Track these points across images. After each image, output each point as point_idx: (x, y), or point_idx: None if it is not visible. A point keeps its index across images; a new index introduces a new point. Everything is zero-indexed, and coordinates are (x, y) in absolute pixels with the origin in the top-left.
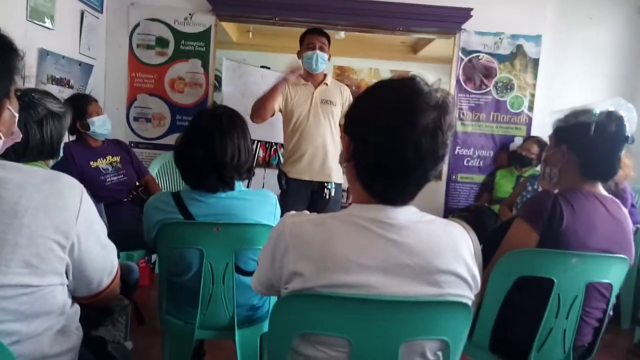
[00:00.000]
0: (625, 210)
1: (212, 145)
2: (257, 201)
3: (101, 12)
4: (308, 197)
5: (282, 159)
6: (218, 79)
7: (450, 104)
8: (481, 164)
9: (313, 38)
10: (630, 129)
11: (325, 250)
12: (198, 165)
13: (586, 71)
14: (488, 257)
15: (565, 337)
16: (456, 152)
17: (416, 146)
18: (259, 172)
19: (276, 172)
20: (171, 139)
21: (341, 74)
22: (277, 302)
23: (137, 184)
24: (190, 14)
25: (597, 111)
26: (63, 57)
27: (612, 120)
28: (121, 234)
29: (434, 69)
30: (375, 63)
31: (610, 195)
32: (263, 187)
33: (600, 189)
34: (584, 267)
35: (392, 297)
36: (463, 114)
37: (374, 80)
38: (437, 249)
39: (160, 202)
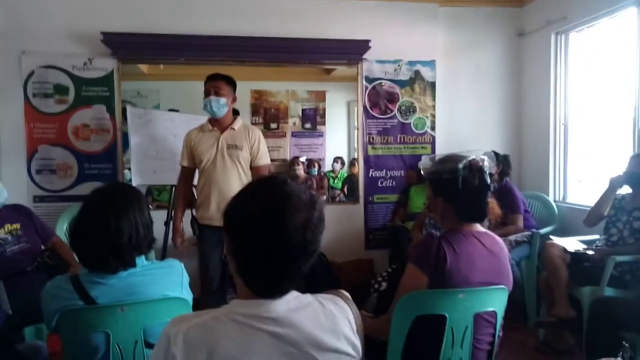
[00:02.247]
0: (501, 241)
1: (108, 228)
2: (161, 274)
3: None
4: (222, 242)
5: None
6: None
7: (319, 202)
8: (394, 183)
9: (207, 84)
10: (489, 177)
11: (211, 355)
12: (95, 249)
13: (477, 90)
14: (391, 297)
15: None
16: (370, 175)
17: (287, 245)
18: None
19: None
20: (81, 189)
21: (259, 97)
22: None
23: (43, 247)
24: (89, 59)
25: (460, 166)
26: None
27: (474, 174)
28: (28, 306)
29: (346, 88)
30: (292, 85)
31: (485, 230)
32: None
33: (478, 227)
34: (470, 301)
35: None
36: (372, 138)
37: (292, 102)
38: (316, 333)
39: (57, 289)
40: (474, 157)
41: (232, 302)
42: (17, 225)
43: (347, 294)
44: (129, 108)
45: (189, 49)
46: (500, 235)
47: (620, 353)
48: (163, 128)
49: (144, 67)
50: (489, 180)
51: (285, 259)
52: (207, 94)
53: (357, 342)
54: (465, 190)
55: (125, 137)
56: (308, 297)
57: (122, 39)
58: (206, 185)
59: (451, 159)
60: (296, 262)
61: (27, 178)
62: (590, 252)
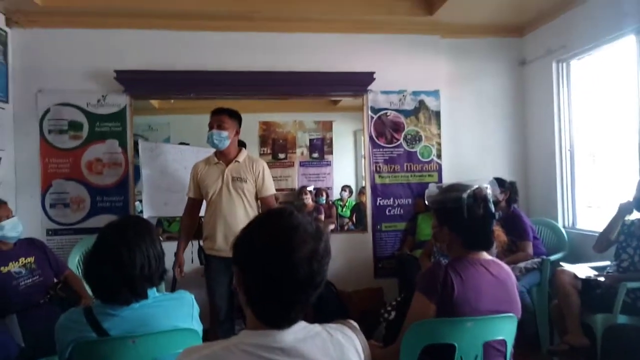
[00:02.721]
0: (508, 269)
1: (121, 260)
2: (172, 306)
3: (6, 101)
4: (230, 272)
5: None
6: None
7: (325, 233)
8: (402, 211)
9: (211, 118)
10: (493, 205)
11: None
12: (108, 281)
13: (481, 118)
14: (399, 326)
15: None
16: (377, 204)
17: (295, 276)
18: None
19: None
20: (93, 222)
21: (267, 128)
22: None
23: (56, 280)
24: (103, 96)
25: (464, 195)
26: None
27: (478, 203)
28: (40, 339)
29: (352, 117)
30: (299, 116)
31: (492, 258)
32: (192, 260)
33: (484, 255)
34: (478, 329)
35: None
36: (379, 167)
37: (300, 132)
38: None
39: (71, 321)
40: (477, 186)
41: (241, 332)
42: (31, 259)
43: (355, 324)
44: (140, 142)
45: (198, 84)
46: (510, 263)
47: None
48: (173, 161)
49: (155, 102)
50: (493, 209)
51: (293, 290)
52: (210, 127)
53: None
54: (470, 220)
55: (137, 170)
56: (316, 327)
57: (134, 76)
58: (212, 216)
59: (455, 189)
60: (304, 293)
61: (41, 212)
62: (601, 279)
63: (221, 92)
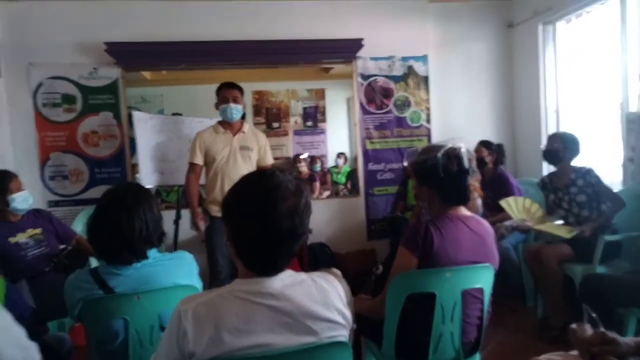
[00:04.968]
0: (486, 224)
1: (120, 225)
2: (172, 265)
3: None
4: None
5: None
6: None
7: (305, 190)
8: (393, 175)
9: (226, 92)
10: (468, 162)
11: (217, 327)
12: (109, 244)
13: (469, 81)
14: (386, 279)
15: (453, 337)
16: (369, 169)
17: (278, 229)
18: (184, 212)
19: None
20: (93, 192)
21: (260, 98)
22: None
23: (62, 247)
24: (94, 69)
25: (439, 155)
26: None
27: (452, 160)
28: (49, 304)
29: (344, 85)
30: (291, 84)
31: (471, 214)
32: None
33: (464, 211)
34: (457, 279)
35: (281, 351)
36: (370, 133)
37: (293, 101)
38: (309, 305)
39: (79, 281)
40: (451, 145)
41: (234, 281)
42: (38, 231)
43: (338, 272)
44: (134, 113)
45: (189, 54)
46: (497, 221)
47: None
48: (168, 131)
49: (147, 74)
50: (467, 165)
51: (278, 242)
52: (225, 100)
53: (347, 313)
54: (446, 177)
55: (133, 141)
56: (302, 275)
57: (125, 48)
58: (219, 181)
59: (430, 149)
60: (287, 244)
61: (41, 184)
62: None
63: (212, 62)
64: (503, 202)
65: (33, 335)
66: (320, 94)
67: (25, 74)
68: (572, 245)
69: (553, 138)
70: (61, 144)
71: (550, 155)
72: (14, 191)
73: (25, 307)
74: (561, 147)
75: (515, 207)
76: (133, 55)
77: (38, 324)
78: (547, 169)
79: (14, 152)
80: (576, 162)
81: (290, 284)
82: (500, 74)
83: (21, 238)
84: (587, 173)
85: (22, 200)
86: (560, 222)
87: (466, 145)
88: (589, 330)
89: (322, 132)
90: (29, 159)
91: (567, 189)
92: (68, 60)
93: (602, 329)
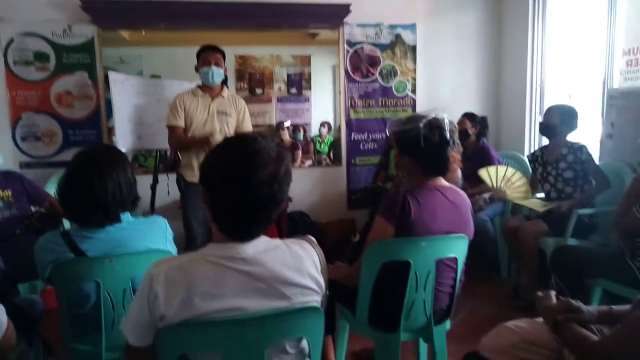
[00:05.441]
0: (464, 194)
1: (92, 187)
2: (146, 229)
3: None
4: None
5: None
6: None
7: (286, 157)
8: (375, 146)
9: (208, 55)
10: (449, 133)
11: (189, 290)
12: (81, 206)
13: (457, 53)
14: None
15: (425, 305)
16: (352, 138)
17: (256, 195)
18: (162, 178)
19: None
20: (66, 155)
21: (243, 63)
22: (160, 330)
23: (34, 209)
24: (68, 26)
25: (421, 125)
26: None
27: (433, 131)
28: (20, 266)
29: (331, 52)
30: (276, 50)
31: (450, 185)
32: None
33: (442, 182)
34: (432, 248)
35: (252, 315)
36: (354, 102)
37: (277, 67)
38: (283, 270)
39: (50, 243)
40: (434, 115)
41: (208, 245)
42: (8, 192)
43: (313, 238)
44: (111, 74)
45: (169, 14)
46: (476, 193)
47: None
48: (146, 94)
49: (125, 34)
50: (448, 136)
51: (255, 208)
52: (207, 63)
53: (321, 280)
54: (427, 147)
55: (109, 104)
56: (277, 241)
57: (101, 6)
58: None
59: (413, 119)
60: (264, 211)
61: (12, 145)
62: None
63: (194, 23)
64: (482, 171)
65: (3, 297)
66: (306, 60)
67: None
68: (547, 221)
69: (551, 111)
70: (33, 103)
71: (547, 128)
72: None
73: None
74: (558, 121)
75: (495, 176)
76: (110, 13)
77: (9, 286)
78: (532, 143)
79: None
80: (571, 137)
81: (264, 249)
82: (488, 46)
83: None
84: (579, 149)
85: None
86: (541, 195)
87: (450, 116)
88: (554, 298)
89: (307, 100)
90: (0, 118)
91: (557, 163)
92: (40, 17)
93: (567, 298)
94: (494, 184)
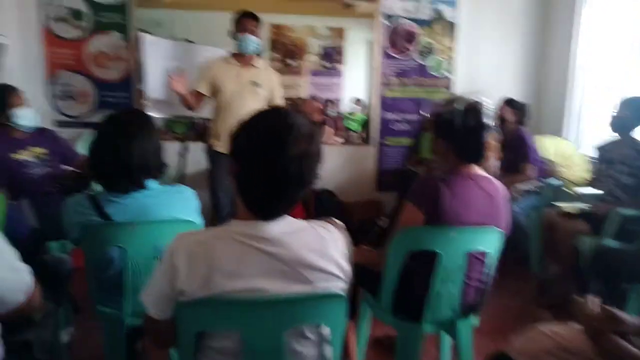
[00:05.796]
0: (501, 185)
1: (118, 150)
2: (173, 198)
3: None
4: None
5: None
6: None
7: (317, 135)
8: (408, 127)
9: (247, 22)
10: (487, 118)
11: (210, 267)
12: (107, 170)
13: (499, 33)
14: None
15: (452, 298)
16: (384, 117)
17: (285, 171)
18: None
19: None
20: (99, 116)
21: (277, 32)
22: (179, 305)
23: (68, 168)
24: None
25: (458, 106)
26: None
27: (471, 114)
28: (52, 224)
29: (367, 26)
30: (311, 20)
31: (484, 174)
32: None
33: (477, 170)
34: (462, 239)
35: (272, 297)
36: (389, 79)
37: (311, 39)
38: (306, 254)
39: (77, 205)
40: (473, 98)
41: (231, 222)
42: (42, 150)
43: (340, 222)
44: (143, 36)
45: None
46: (510, 183)
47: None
48: (178, 58)
49: None
50: (485, 121)
51: (282, 185)
52: (244, 30)
53: (346, 266)
54: (462, 129)
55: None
56: (302, 223)
57: None
58: (226, 115)
59: (452, 101)
60: (292, 189)
61: (48, 103)
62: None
63: None
64: (549, 140)
65: (31, 254)
66: (341, 33)
67: None
68: (588, 221)
69: (625, 104)
70: (69, 62)
71: (618, 123)
72: (14, 105)
73: (24, 226)
74: (631, 115)
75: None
76: None
77: (39, 244)
78: (571, 129)
79: (20, 67)
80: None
81: (289, 230)
82: (534, 28)
83: (25, 156)
84: None
85: (24, 115)
86: (593, 192)
87: (490, 101)
88: (595, 305)
89: (339, 74)
90: (36, 75)
91: (618, 165)
92: None
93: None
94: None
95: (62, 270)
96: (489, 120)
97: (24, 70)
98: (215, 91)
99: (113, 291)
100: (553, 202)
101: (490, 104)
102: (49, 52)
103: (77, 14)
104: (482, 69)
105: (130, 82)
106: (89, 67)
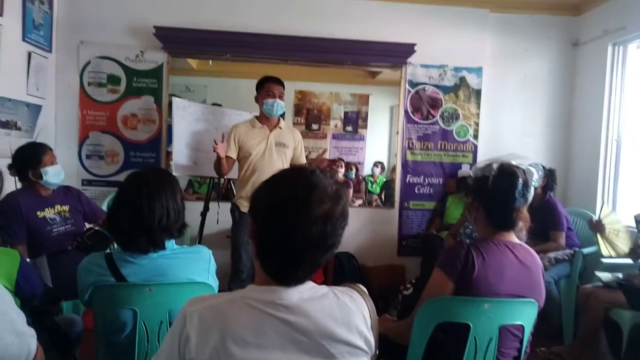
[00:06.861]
0: (535, 255)
1: (140, 209)
2: (190, 259)
3: (50, 51)
4: None
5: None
6: None
7: (343, 197)
8: (431, 191)
9: (272, 87)
10: (530, 185)
11: (223, 335)
12: (127, 229)
13: (524, 100)
14: (416, 302)
15: None
16: (407, 181)
17: (307, 234)
18: (213, 205)
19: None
20: (125, 175)
21: (302, 98)
22: None
23: (87, 227)
24: (141, 52)
25: (495, 166)
26: (9, 99)
27: (503, 176)
28: (67, 282)
29: (390, 92)
30: (335, 87)
31: (520, 242)
32: (217, 221)
33: (512, 237)
34: (495, 312)
35: None
36: (412, 143)
37: (335, 104)
38: (329, 324)
39: (92, 265)
40: (510, 161)
41: (248, 287)
42: (66, 207)
43: (364, 289)
44: (174, 99)
45: (234, 45)
46: (540, 252)
47: None
48: (205, 121)
49: (193, 63)
50: (520, 186)
51: (303, 248)
52: (271, 95)
53: (371, 338)
54: (492, 191)
55: (170, 129)
56: (324, 289)
57: (173, 33)
58: (253, 174)
59: (490, 163)
60: (314, 253)
61: (77, 162)
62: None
63: (258, 55)
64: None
65: (43, 315)
66: (364, 99)
67: (76, 51)
68: (624, 292)
69: None
70: (101, 123)
71: None
72: (47, 164)
73: (37, 285)
74: None
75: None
76: (180, 41)
77: (52, 303)
78: (605, 201)
79: (55, 128)
80: None
81: (310, 297)
82: (559, 94)
83: (49, 213)
84: None
85: (55, 174)
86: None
87: (534, 170)
88: None
89: (362, 138)
90: (70, 135)
91: None
92: (117, 41)
93: None
94: (598, 217)
95: (72, 332)
96: (524, 185)
97: (59, 130)
98: (243, 154)
99: (123, 356)
100: (593, 271)
101: (533, 170)
102: (83, 114)
103: (114, 79)
104: (507, 135)
105: (158, 143)
106: (120, 128)
